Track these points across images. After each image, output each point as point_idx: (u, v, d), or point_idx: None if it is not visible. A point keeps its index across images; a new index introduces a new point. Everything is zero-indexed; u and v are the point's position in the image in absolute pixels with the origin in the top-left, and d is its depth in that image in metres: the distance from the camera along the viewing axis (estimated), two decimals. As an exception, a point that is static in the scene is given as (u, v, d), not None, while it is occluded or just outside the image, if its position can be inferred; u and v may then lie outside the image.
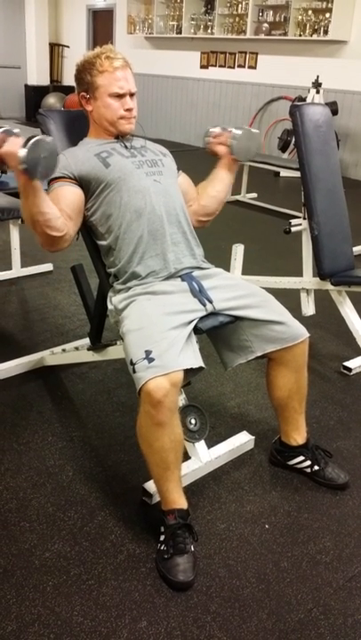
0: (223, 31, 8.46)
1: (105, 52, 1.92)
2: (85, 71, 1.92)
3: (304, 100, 6.91)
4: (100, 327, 2.24)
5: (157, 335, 1.62)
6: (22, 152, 1.55)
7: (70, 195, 1.86)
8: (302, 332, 1.84)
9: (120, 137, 1.98)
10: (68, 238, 1.84)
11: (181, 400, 1.85)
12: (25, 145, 1.56)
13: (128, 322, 1.73)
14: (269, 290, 1.95)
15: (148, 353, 1.58)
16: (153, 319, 1.68)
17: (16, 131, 1.65)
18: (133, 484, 1.92)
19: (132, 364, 1.60)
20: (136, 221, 1.85)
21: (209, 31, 8.64)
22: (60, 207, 1.81)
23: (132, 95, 1.93)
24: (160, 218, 1.87)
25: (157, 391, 1.53)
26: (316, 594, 1.59)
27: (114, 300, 1.87)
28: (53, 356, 2.57)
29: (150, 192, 1.88)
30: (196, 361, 1.64)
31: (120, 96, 1.90)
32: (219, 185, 2.13)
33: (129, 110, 1.93)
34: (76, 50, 10.80)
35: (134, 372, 1.59)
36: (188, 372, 1.62)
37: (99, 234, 1.95)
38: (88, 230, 1.99)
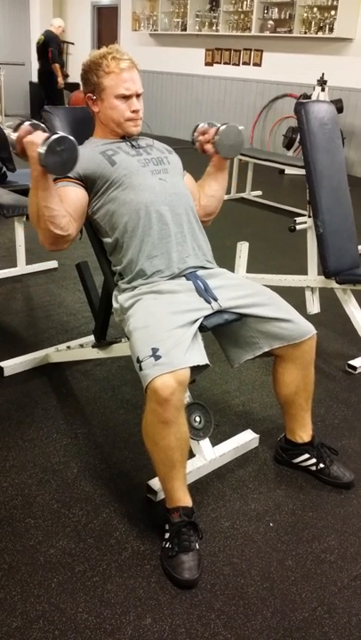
0: (228, 28, 8.44)
1: (111, 52, 1.90)
2: (92, 72, 1.91)
3: (309, 97, 6.89)
4: (105, 324, 2.24)
5: (164, 333, 1.62)
6: (43, 144, 1.63)
7: (74, 195, 1.87)
8: (310, 329, 1.84)
9: (126, 137, 1.98)
10: (70, 239, 1.85)
11: (186, 398, 1.85)
12: (48, 138, 1.64)
13: (134, 320, 1.73)
14: (274, 288, 1.94)
15: (154, 350, 1.57)
16: (159, 317, 1.68)
17: (43, 125, 1.75)
18: (138, 481, 1.93)
19: (139, 361, 1.60)
20: (141, 220, 1.85)
21: (214, 28, 8.63)
22: (64, 208, 1.82)
23: (138, 96, 1.92)
24: (165, 217, 1.86)
25: (164, 389, 1.52)
26: (321, 592, 1.58)
27: (119, 299, 1.87)
28: (58, 353, 2.58)
29: (156, 191, 1.88)
30: (202, 358, 1.64)
31: (126, 97, 1.90)
32: (214, 184, 2.13)
33: (135, 112, 1.92)
34: (81, 47, 10.78)
35: (141, 369, 1.59)
36: (194, 370, 1.61)
37: (103, 232, 1.94)
38: (93, 228, 1.99)
